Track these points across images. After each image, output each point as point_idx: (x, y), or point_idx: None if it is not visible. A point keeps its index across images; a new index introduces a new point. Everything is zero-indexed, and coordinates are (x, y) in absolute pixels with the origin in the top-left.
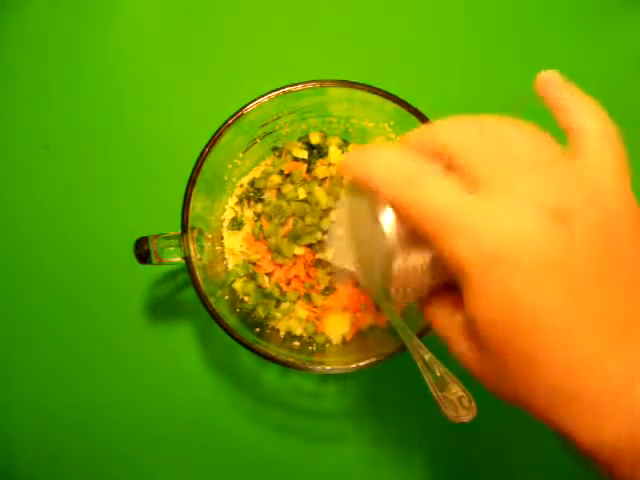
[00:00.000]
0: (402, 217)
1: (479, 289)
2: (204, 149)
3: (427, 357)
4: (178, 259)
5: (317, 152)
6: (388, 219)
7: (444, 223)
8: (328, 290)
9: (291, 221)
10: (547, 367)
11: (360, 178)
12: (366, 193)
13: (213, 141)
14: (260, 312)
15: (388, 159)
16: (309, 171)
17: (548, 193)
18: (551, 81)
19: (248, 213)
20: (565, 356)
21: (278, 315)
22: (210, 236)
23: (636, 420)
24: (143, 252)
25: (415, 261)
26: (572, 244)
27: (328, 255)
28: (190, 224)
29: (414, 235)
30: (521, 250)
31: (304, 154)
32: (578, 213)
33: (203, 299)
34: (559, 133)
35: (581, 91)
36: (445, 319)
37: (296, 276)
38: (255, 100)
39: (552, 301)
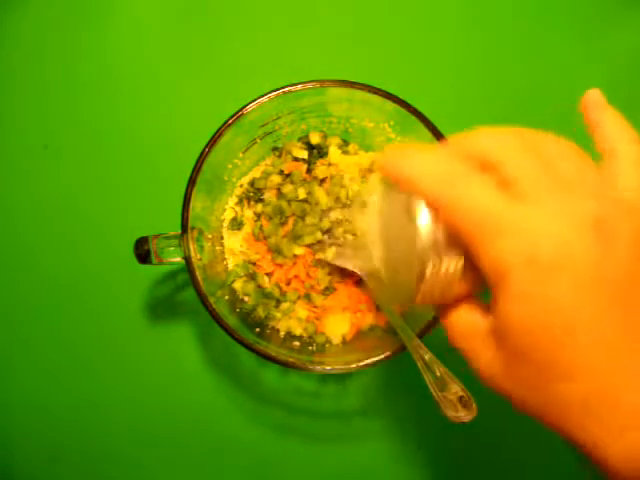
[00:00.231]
0: (440, 217)
1: (518, 292)
2: (204, 149)
3: (427, 357)
4: (178, 259)
5: (317, 152)
6: (425, 220)
7: (484, 223)
8: (328, 290)
9: (291, 221)
10: (583, 376)
11: (399, 177)
12: (402, 192)
13: (213, 141)
14: (260, 312)
15: (428, 158)
16: (309, 171)
17: (588, 205)
18: (593, 101)
19: (248, 213)
20: (601, 366)
21: (278, 315)
22: (210, 236)
23: None
24: (143, 252)
25: (448, 264)
26: (613, 255)
27: (328, 255)
28: (190, 224)
29: (450, 238)
30: (564, 255)
31: (304, 154)
32: (617, 227)
33: (203, 299)
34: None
35: (620, 114)
36: (466, 328)
37: (296, 276)
38: (255, 100)
39: (592, 309)
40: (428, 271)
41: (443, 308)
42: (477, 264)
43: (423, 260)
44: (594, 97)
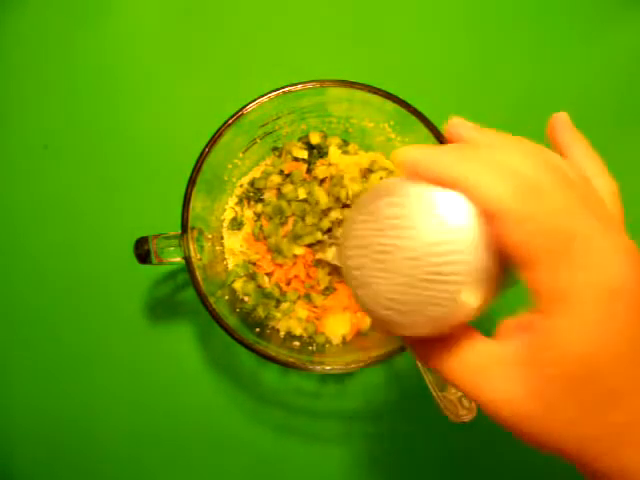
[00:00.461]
0: (499, 236)
1: (588, 319)
2: (204, 149)
3: None
4: (178, 259)
5: (317, 152)
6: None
7: (562, 246)
8: (328, 290)
9: (291, 221)
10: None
11: (447, 179)
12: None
13: (213, 141)
14: (260, 312)
15: (494, 158)
16: (309, 171)
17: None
18: (562, 123)
19: (248, 213)
20: None
21: (278, 315)
22: (210, 236)
23: None
24: (143, 252)
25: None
26: None
27: (328, 255)
28: (190, 224)
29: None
30: (628, 281)
31: (304, 154)
32: None
33: (203, 299)
34: None
35: (587, 142)
36: (481, 359)
37: (296, 276)
38: (255, 100)
39: None
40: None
41: (439, 340)
42: (528, 284)
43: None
44: (562, 119)
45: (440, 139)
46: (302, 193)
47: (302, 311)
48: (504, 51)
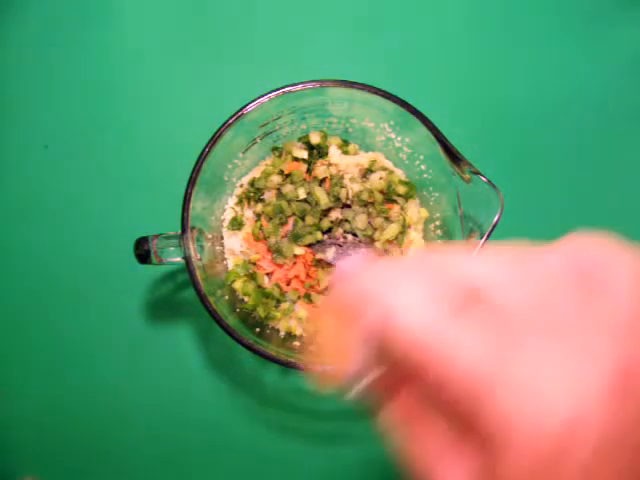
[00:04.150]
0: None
1: (522, 462)
2: (204, 149)
3: None
4: (178, 259)
5: (317, 152)
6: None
7: (484, 379)
8: (328, 290)
9: (291, 221)
10: None
11: (367, 319)
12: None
13: (213, 141)
14: (260, 312)
15: (413, 294)
16: (309, 171)
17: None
18: None
19: (248, 213)
20: None
21: (278, 315)
22: (210, 236)
23: None
24: (143, 252)
25: None
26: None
27: (328, 255)
28: (190, 224)
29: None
30: (577, 422)
31: (304, 154)
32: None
33: (203, 299)
34: None
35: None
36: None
37: (296, 276)
38: (255, 100)
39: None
40: None
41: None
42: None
43: None
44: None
45: (439, 139)
46: (302, 193)
47: (302, 311)
48: (504, 51)
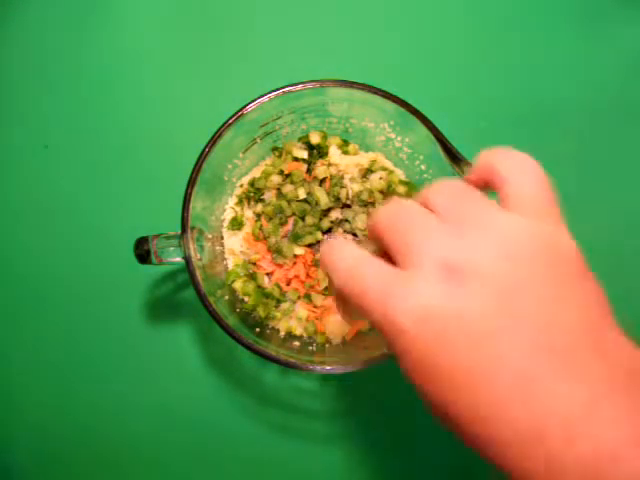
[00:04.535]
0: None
1: (413, 351)
2: (204, 149)
3: None
4: (178, 259)
5: (317, 152)
6: None
7: (380, 295)
8: (328, 290)
9: (291, 221)
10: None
11: (326, 267)
12: None
13: (213, 141)
14: (260, 312)
15: (340, 252)
16: (309, 171)
17: (451, 251)
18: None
19: (248, 213)
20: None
21: (278, 315)
22: (210, 236)
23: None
24: (143, 252)
25: None
26: (468, 298)
27: None
28: (190, 224)
29: None
30: (430, 314)
31: (304, 154)
32: (476, 267)
33: (203, 299)
34: None
35: (504, 150)
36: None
37: (296, 276)
38: (255, 100)
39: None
40: None
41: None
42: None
43: None
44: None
45: (439, 139)
46: (302, 193)
47: (302, 311)
48: (504, 51)
